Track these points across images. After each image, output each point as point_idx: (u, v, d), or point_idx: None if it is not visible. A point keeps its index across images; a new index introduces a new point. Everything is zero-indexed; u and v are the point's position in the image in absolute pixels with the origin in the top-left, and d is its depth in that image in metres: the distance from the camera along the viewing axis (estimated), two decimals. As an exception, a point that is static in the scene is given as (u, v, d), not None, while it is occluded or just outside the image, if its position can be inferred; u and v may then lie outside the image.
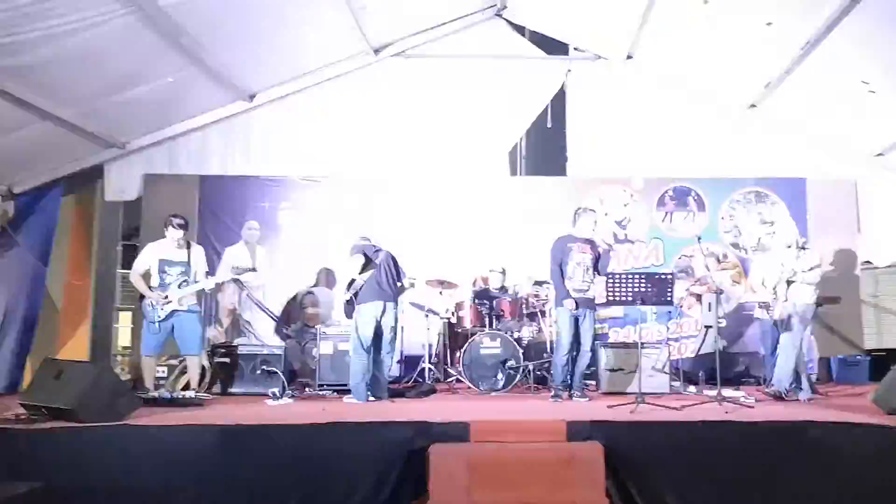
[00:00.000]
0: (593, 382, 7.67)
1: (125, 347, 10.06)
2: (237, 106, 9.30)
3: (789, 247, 6.99)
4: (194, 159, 9.36)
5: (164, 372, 7.42)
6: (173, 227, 6.96)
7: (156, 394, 6.45)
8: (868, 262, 9.30)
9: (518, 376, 7.72)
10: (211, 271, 7.52)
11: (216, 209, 9.18)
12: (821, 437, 4.79)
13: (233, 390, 7.54)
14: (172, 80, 8.02)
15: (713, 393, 6.14)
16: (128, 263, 9.90)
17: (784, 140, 9.46)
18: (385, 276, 6.92)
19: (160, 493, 4.53)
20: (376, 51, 9.49)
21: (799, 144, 9.45)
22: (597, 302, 7.08)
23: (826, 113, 8.85)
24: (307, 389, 7.71)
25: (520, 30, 9.97)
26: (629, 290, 6.37)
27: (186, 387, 7.14)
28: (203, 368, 7.20)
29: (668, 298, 6.49)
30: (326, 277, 9.10)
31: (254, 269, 7.58)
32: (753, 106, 9.26)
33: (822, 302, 7.69)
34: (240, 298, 8.64)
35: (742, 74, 8.86)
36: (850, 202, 9.30)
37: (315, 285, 9.06)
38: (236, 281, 8.28)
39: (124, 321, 10.30)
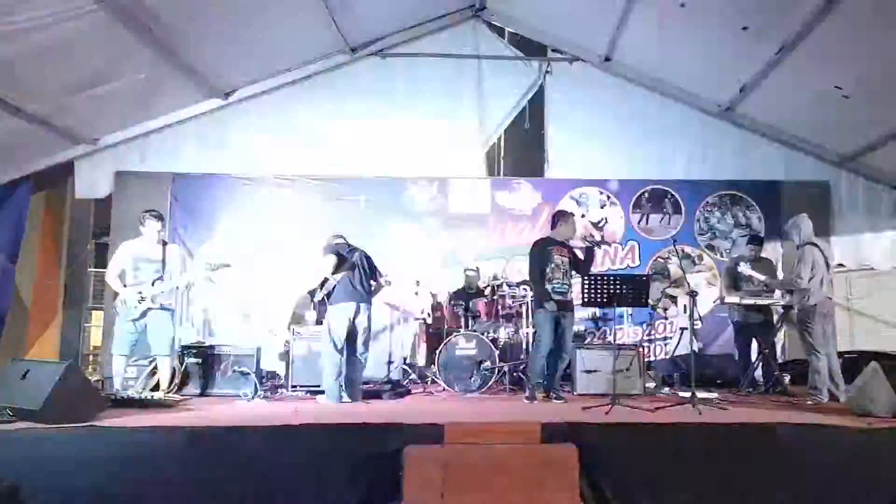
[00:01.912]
0: (569, 384, 7.66)
1: (96, 347, 9.91)
2: (211, 103, 9.20)
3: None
4: (167, 157, 9.24)
5: (133, 372, 7.29)
6: (148, 220, 6.85)
7: (125, 395, 6.34)
8: (841, 264, 9.38)
9: (493, 378, 7.69)
10: (185, 270, 7.41)
11: (189, 207, 9.07)
12: (793, 438, 4.80)
13: (204, 391, 7.44)
14: (145, 77, 7.92)
15: (687, 394, 6.15)
16: (99, 262, 9.79)
17: (759, 143, 9.53)
18: (359, 276, 6.86)
19: (127, 496, 4.44)
20: (353, 49, 9.43)
21: (773, 147, 9.52)
22: (575, 303, 7.09)
23: (800, 116, 8.93)
24: (280, 390, 7.63)
25: (498, 30, 9.96)
26: (605, 291, 6.38)
27: (156, 388, 7.02)
28: (173, 369, 7.09)
29: (644, 300, 6.50)
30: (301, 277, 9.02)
31: (227, 265, 7.49)
32: (729, 109, 9.32)
33: (794, 304, 7.75)
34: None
35: (718, 77, 8.91)
36: (823, 205, 9.37)
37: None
38: (208, 279, 8.17)
39: (95, 321, 10.15)
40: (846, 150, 9.22)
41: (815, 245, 6.87)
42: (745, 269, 7.53)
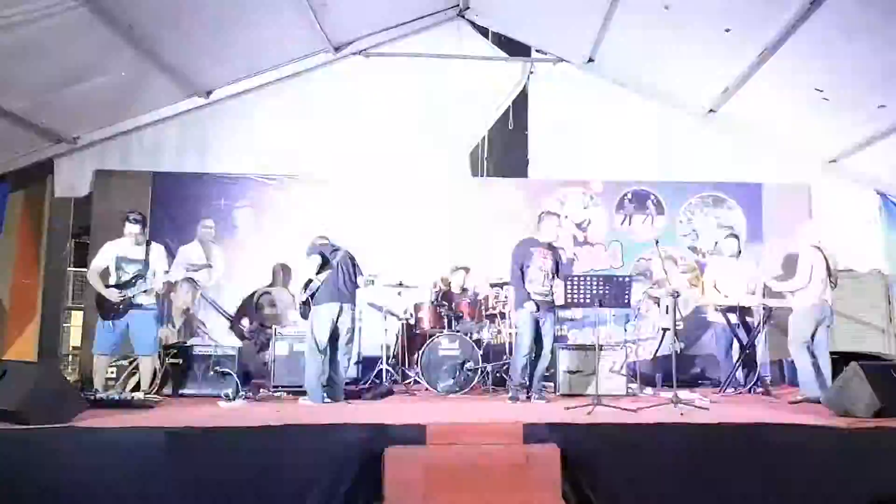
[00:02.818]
0: (551, 384, 7.67)
1: (75, 348, 9.81)
2: (193, 101, 9.14)
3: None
4: (148, 155, 9.15)
5: (113, 373, 7.23)
6: (129, 221, 6.81)
7: (104, 395, 6.29)
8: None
9: (476, 378, 7.69)
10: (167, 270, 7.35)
11: (170, 207, 8.98)
12: (773, 438, 4.83)
13: (185, 392, 7.39)
14: (126, 74, 7.87)
15: (669, 395, 6.17)
16: (78, 261, 9.69)
17: (741, 145, 9.59)
18: (342, 277, 6.84)
19: (106, 498, 4.40)
20: (337, 48, 9.39)
21: (755, 150, 9.58)
22: (556, 304, 7.09)
23: (782, 119, 8.98)
24: (262, 391, 7.59)
25: (482, 31, 9.95)
26: (588, 292, 6.38)
27: (136, 388, 6.98)
28: (154, 369, 7.04)
29: (626, 301, 6.51)
30: (283, 277, 8.98)
31: (209, 266, 7.45)
32: (711, 111, 9.36)
33: (775, 306, 7.80)
34: (193, 297, 8.50)
35: (701, 80, 8.95)
36: (804, 207, 9.43)
37: (272, 285, 8.94)
38: (190, 280, 8.12)
39: (75, 321, 10.05)
40: (828, 153, 9.29)
41: (818, 249, 6.91)
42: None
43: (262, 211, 9.24)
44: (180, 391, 7.38)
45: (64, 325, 9.85)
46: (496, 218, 9.33)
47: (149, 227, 7.20)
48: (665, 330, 8.19)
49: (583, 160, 9.68)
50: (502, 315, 8.21)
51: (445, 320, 8.16)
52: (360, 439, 4.69)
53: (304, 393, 6.81)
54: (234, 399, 6.80)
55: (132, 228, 6.81)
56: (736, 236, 8.19)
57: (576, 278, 6.55)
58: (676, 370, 6.21)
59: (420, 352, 7.78)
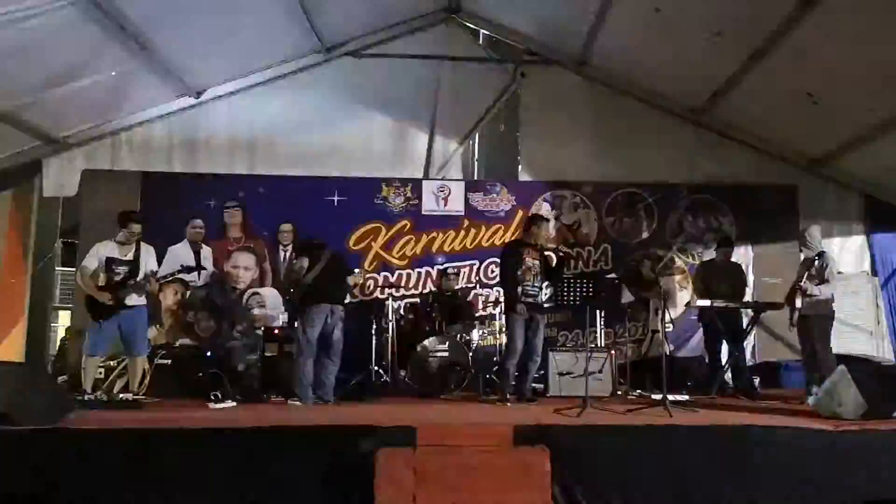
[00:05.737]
0: (541, 386, 7.67)
1: (63, 348, 9.74)
2: (183, 101, 9.12)
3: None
4: (137, 155, 9.13)
5: (102, 373, 7.18)
6: (134, 221, 6.75)
7: (93, 396, 6.25)
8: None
9: (466, 380, 7.68)
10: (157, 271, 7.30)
11: (159, 207, 8.91)
12: (762, 440, 4.84)
13: (173, 393, 7.34)
14: (116, 74, 7.84)
15: (659, 397, 6.18)
16: (67, 261, 9.64)
17: (730, 147, 9.63)
18: (330, 278, 6.82)
19: (95, 499, 4.37)
20: (328, 49, 9.39)
21: (744, 151, 9.62)
22: (546, 306, 7.10)
23: (770, 121, 9.03)
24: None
25: (473, 32, 9.97)
26: (578, 293, 6.38)
27: (125, 389, 6.94)
28: (144, 370, 7.00)
29: (616, 303, 6.51)
30: (273, 278, 8.96)
31: (203, 269, 7.41)
32: (702, 113, 9.40)
33: (764, 308, 7.82)
34: (183, 299, 8.47)
35: (691, 82, 8.99)
36: (792, 209, 9.48)
37: (261, 286, 8.90)
38: (180, 280, 8.09)
39: (63, 321, 10.00)
40: (816, 154, 9.34)
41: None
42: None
43: (252, 211, 9.20)
44: (169, 392, 7.33)
45: (52, 324, 9.80)
46: (487, 219, 9.34)
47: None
48: (654, 332, 8.21)
49: (573, 162, 9.69)
50: (492, 317, 8.22)
51: (436, 322, 8.16)
52: (350, 441, 4.67)
53: (293, 394, 6.79)
54: (222, 400, 6.77)
55: (135, 228, 6.75)
56: (730, 244, 8.19)
57: (566, 279, 6.55)
58: (666, 372, 6.21)
59: (410, 353, 7.77)
